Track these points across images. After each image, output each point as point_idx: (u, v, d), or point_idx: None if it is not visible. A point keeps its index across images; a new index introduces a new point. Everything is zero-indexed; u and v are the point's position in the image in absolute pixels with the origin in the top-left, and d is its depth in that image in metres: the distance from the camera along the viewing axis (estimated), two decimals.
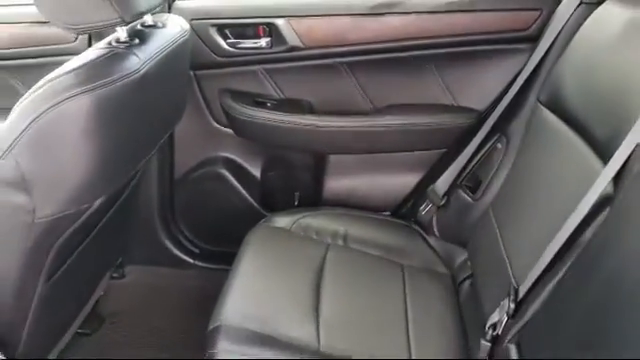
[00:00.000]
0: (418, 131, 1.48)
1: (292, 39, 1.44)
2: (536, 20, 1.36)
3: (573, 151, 0.96)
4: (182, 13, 1.35)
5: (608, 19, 1.07)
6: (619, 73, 0.92)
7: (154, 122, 1.10)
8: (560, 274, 0.84)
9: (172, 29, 1.12)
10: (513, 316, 0.90)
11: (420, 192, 1.55)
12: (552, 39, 1.27)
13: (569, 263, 0.83)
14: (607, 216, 0.79)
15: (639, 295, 0.63)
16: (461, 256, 1.31)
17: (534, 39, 1.34)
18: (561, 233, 0.85)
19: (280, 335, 1.01)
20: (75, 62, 0.87)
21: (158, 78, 1.01)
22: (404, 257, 1.31)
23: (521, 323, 0.88)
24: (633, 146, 0.78)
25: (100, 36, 1.12)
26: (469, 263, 1.25)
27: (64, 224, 0.90)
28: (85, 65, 0.87)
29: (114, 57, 0.91)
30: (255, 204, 1.66)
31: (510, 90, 1.34)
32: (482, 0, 1.39)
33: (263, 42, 1.46)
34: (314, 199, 1.63)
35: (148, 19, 1.09)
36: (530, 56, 1.32)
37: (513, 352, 0.88)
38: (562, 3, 1.30)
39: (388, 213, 1.59)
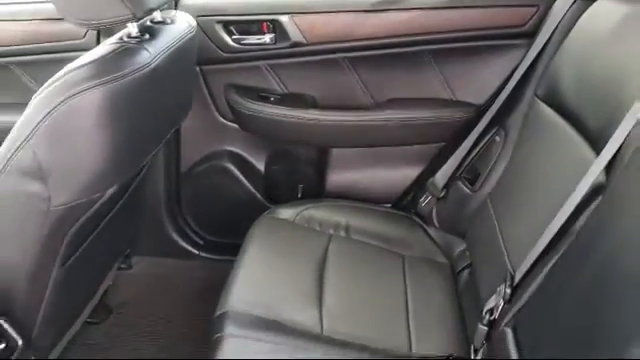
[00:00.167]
0: (418, 125, 1.49)
1: (295, 35, 1.45)
2: (533, 16, 1.37)
3: (568, 143, 0.98)
4: (189, 10, 1.35)
5: (604, 14, 1.08)
6: (613, 66, 0.93)
7: (163, 115, 1.12)
8: (554, 259, 0.85)
9: (180, 25, 1.13)
10: (509, 301, 0.91)
11: (420, 184, 1.56)
12: (549, 35, 1.29)
13: (563, 249, 0.84)
14: (599, 204, 0.80)
15: (630, 277, 0.63)
16: (460, 246, 1.32)
17: (531, 35, 1.36)
18: (555, 221, 0.86)
19: (284, 320, 1.04)
20: (89, 56, 0.89)
21: (167, 72, 1.03)
22: (405, 247, 1.33)
23: (517, 307, 0.90)
24: (624, 136, 0.80)
25: (109, 33, 1.14)
26: (468, 253, 1.26)
27: (78, 212, 0.93)
28: (98, 59, 0.89)
29: (126, 52, 0.93)
30: (259, 196, 1.67)
31: (508, 85, 1.35)
32: None
33: (267, 38, 1.47)
34: (317, 191, 1.64)
35: (157, 15, 1.11)
36: (527, 51, 1.33)
37: (509, 335, 0.89)
38: None
39: (389, 205, 1.60)
